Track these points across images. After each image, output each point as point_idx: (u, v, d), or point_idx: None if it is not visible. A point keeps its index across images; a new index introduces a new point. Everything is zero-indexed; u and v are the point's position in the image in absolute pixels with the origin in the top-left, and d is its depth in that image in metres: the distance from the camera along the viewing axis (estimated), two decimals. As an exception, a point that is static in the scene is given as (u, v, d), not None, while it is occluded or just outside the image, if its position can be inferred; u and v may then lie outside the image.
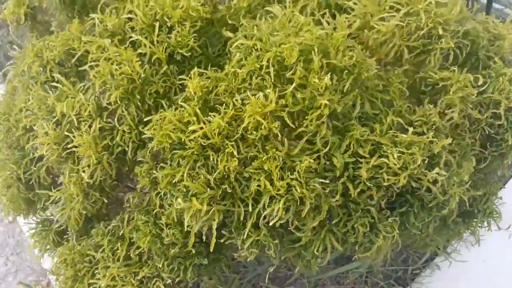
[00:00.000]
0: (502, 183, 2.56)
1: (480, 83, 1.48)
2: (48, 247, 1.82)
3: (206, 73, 1.40)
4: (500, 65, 1.53)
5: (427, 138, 1.34)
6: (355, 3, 1.46)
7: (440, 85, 1.46)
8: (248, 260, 1.40)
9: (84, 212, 1.59)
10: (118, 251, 1.54)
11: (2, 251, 2.92)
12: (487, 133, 1.54)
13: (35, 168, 1.71)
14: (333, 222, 1.38)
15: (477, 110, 1.49)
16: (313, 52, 1.27)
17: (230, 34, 1.50)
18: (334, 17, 1.44)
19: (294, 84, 1.27)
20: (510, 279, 2.33)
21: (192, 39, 1.49)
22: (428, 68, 1.47)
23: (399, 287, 2.37)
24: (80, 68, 1.61)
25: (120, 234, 1.58)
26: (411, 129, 1.33)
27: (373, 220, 1.39)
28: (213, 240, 1.37)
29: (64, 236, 1.81)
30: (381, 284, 2.36)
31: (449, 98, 1.43)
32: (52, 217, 1.87)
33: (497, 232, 1.76)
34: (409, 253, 2.42)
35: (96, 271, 1.56)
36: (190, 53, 1.50)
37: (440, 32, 1.44)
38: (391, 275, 2.40)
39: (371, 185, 1.31)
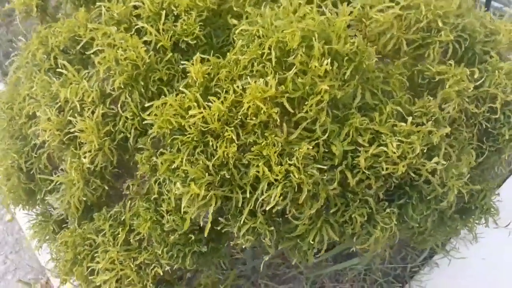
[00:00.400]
0: (501, 180, 2.57)
1: (476, 76, 1.49)
2: (47, 237, 1.83)
3: (209, 59, 1.41)
4: (497, 59, 1.54)
5: (426, 128, 1.34)
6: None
7: (437, 79, 1.47)
8: (244, 247, 1.41)
9: (84, 199, 1.59)
10: (119, 235, 1.55)
11: (1, 249, 2.93)
12: (484, 127, 1.54)
13: (36, 156, 1.72)
14: (331, 212, 1.38)
15: (473, 104, 1.50)
16: (313, 38, 1.28)
17: (235, 22, 1.51)
18: (336, 7, 1.45)
19: (294, 69, 1.27)
20: (509, 277, 2.33)
21: (198, 27, 1.51)
22: (426, 62, 1.48)
23: (398, 285, 2.37)
24: (86, 54, 1.62)
25: (122, 220, 1.58)
26: (410, 119, 1.34)
27: (370, 211, 1.39)
28: (208, 225, 1.37)
29: (63, 225, 1.82)
30: (380, 281, 2.36)
31: (446, 92, 1.44)
32: (51, 209, 1.88)
33: (496, 230, 1.77)
34: (408, 251, 2.43)
35: (96, 255, 1.57)
36: (195, 41, 1.52)
37: (440, 25, 1.45)
38: (390, 272, 2.40)
39: (369, 173, 1.32)
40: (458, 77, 1.44)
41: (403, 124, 1.32)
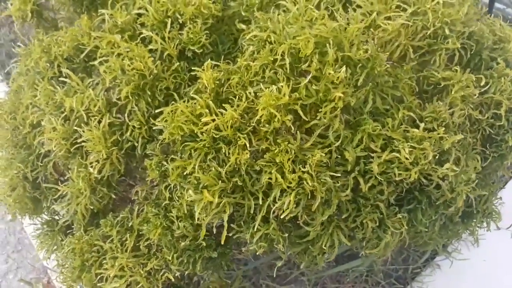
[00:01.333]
0: (502, 183, 2.58)
1: (482, 83, 1.50)
2: (55, 247, 1.81)
3: (219, 66, 1.41)
4: (503, 66, 1.55)
5: (438, 134, 1.35)
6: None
7: (442, 85, 1.48)
8: (257, 253, 1.41)
9: (91, 207, 1.59)
10: (127, 242, 1.55)
11: (3, 249, 2.90)
12: (488, 133, 1.56)
13: (41, 165, 1.71)
14: (342, 217, 1.39)
15: (478, 110, 1.51)
16: (328, 45, 1.28)
17: (243, 26, 1.52)
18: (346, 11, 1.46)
19: (309, 76, 1.28)
20: (510, 279, 2.35)
21: (204, 36, 1.50)
22: (432, 68, 1.49)
23: (400, 286, 2.37)
24: (90, 63, 1.62)
25: (129, 226, 1.58)
26: (422, 125, 1.35)
27: (381, 216, 1.40)
28: (224, 233, 1.37)
29: (68, 231, 1.81)
30: (382, 283, 2.37)
31: (451, 97, 1.45)
32: (57, 217, 1.87)
33: (497, 232, 1.78)
34: (409, 252, 2.44)
35: (104, 261, 1.56)
36: (201, 50, 1.52)
37: (447, 32, 1.45)
38: (392, 274, 2.41)
39: (382, 179, 1.32)
40: (463, 83, 1.45)
41: (415, 130, 1.33)
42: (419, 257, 2.42)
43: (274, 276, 2.36)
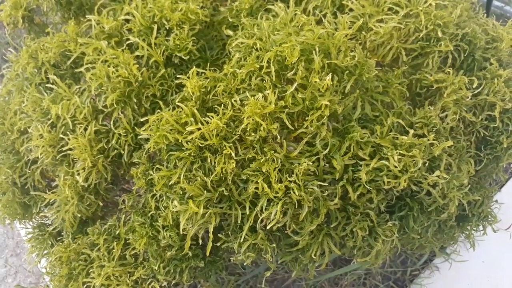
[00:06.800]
0: (499, 185, 2.56)
1: (475, 85, 1.47)
2: (45, 251, 1.80)
3: (205, 73, 1.39)
4: (496, 66, 1.52)
5: (428, 140, 1.32)
6: (352, 2, 1.45)
7: (435, 87, 1.45)
8: (245, 264, 1.39)
9: (79, 215, 1.57)
10: (114, 250, 1.53)
11: (2, 253, 2.90)
12: (482, 135, 1.53)
13: (29, 171, 1.69)
14: (332, 226, 1.36)
15: (471, 112, 1.48)
16: (314, 52, 1.25)
17: (230, 32, 1.49)
18: (336, 16, 1.43)
19: (295, 85, 1.25)
20: (509, 280, 2.32)
21: (191, 42, 1.48)
22: (425, 70, 1.46)
23: (398, 289, 2.36)
24: (76, 70, 1.59)
25: (116, 234, 1.56)
26: (411, 131, 1.31)
27: (372, 224, 1.37)
28: (210, 244, 1.35)
29: (59, 238, 1.79)
30: (380, 286, 2.34)
31: (443, 100, 1.42)
32: (48, 221, 1.85)
33: (496, 233, 1.75)
34: (407, 254, 2.41)
35: (91, 270, 1.54)
36: (188, 56, 1.49)
37: (440, 34, 1.42)
38: (390, 276, 2.39)
39: (370, 188, 1.29)
40: (456, 85, 1.42)
41: (404, 137, 1.30)
42: (418, 259, 2.39)
43: (272, 279, 2.34)
